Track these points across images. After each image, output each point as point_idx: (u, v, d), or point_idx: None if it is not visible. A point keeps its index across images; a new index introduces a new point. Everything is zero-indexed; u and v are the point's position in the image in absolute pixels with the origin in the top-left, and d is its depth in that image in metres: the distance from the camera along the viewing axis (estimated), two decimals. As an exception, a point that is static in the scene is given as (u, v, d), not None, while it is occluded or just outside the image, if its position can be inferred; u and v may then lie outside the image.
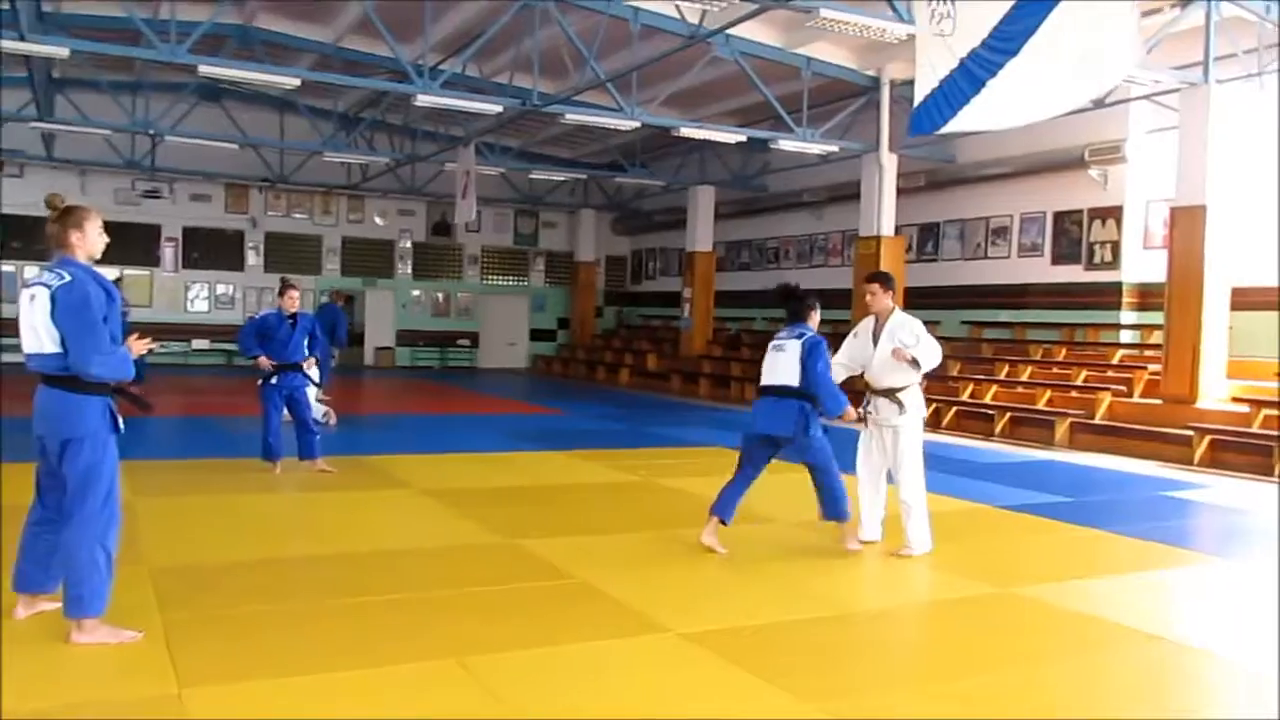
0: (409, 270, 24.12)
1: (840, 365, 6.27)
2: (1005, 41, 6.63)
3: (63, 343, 3.94)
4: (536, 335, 25.81)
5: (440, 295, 24.54)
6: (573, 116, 14.38)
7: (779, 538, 6.43)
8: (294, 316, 8.15)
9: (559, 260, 25.85)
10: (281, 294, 8.20)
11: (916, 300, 16.26)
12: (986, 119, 7.15)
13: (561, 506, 7.28)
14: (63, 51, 11.41)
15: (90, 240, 4.14)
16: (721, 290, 21.18)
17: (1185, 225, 11.44)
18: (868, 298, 6.23)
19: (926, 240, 17.30)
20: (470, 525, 6.38)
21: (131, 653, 3.88)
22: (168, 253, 21.53)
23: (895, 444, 6.10)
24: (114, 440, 4.08)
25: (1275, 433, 9.92)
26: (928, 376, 12.37)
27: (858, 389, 6.27)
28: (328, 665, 3.76)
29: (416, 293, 24.08)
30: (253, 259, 22.30)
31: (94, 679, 3.64)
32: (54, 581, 4.18)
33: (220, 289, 22.14)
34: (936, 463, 10.07)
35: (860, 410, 6.21)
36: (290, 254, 22.66)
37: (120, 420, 4.12)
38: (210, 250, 21.99)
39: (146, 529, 5.89)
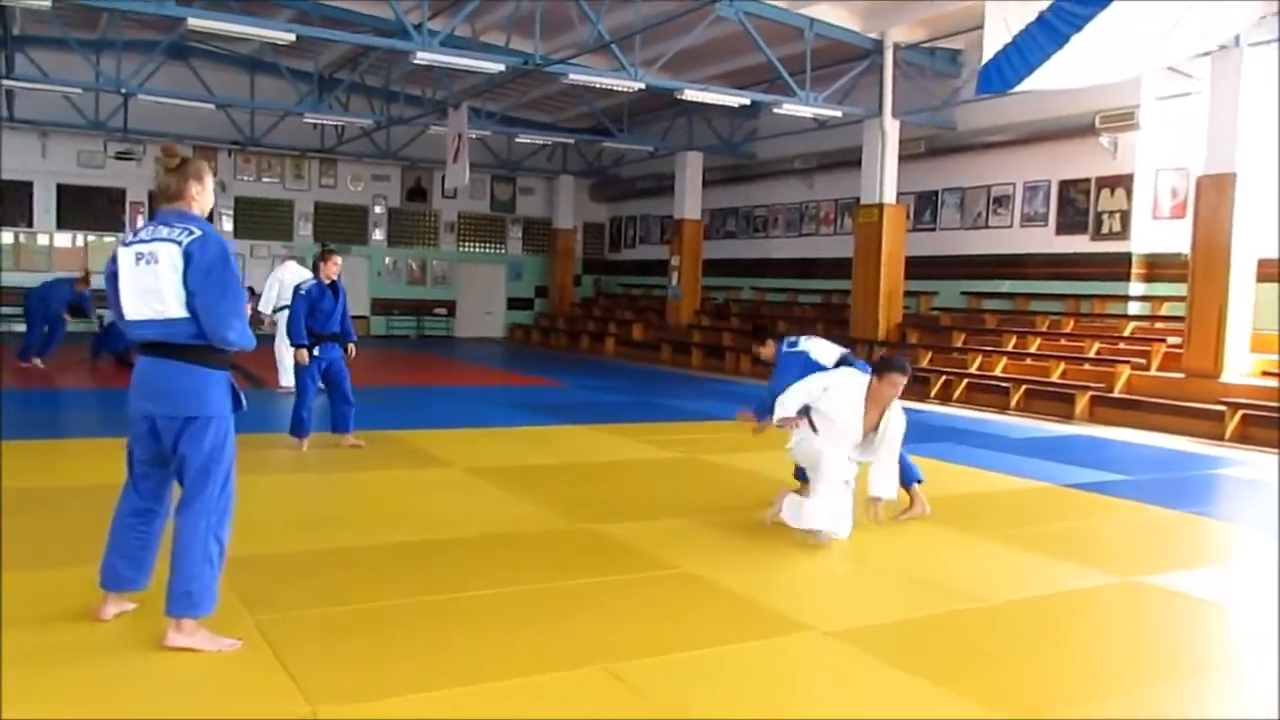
0: (383, 237, 23.36)
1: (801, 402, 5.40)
2: (1093, -6, 6.30)
3: (190, 306, 3.45)
4: (514, 304, 25.23)
5: (415, 263, 23.83)
6: (575, 77, 13.86)
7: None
8: (334, 285, 7.66)
9: (536, 227, 25.25)
10: (324, 260, 7.70)
11: (914, 270, 16.07)
12: (1068, 76, 6.83)
13: (617, 486, 6.90)
14: (44, 2, 10.60)
15: (207, 195, 3.68)
16: (707, 259, 20.78)
17: (1212, 193, 11.27)
18: (892, 393, 5.21)
19: (924, 209, 17.05)
20: (534, 508, 5.97)
21: (239, 661, 3.44)
22: (136, 218, 20.54)
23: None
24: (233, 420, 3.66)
25: (1308, 405, 9.84)
26: (933, 348, 12.21)
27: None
28: (466, 676, 3.35)
29: (391, 260, 23.35)
30: (223, 224, 21.38)
31: (210, 693, 3.20)
32: (146, 578, 3.73)
33: (188, 255, 21.21)
34: (966, 437, 9.93)
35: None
36: (261, 219, 21.81)
37: (243, 397, 3.67)
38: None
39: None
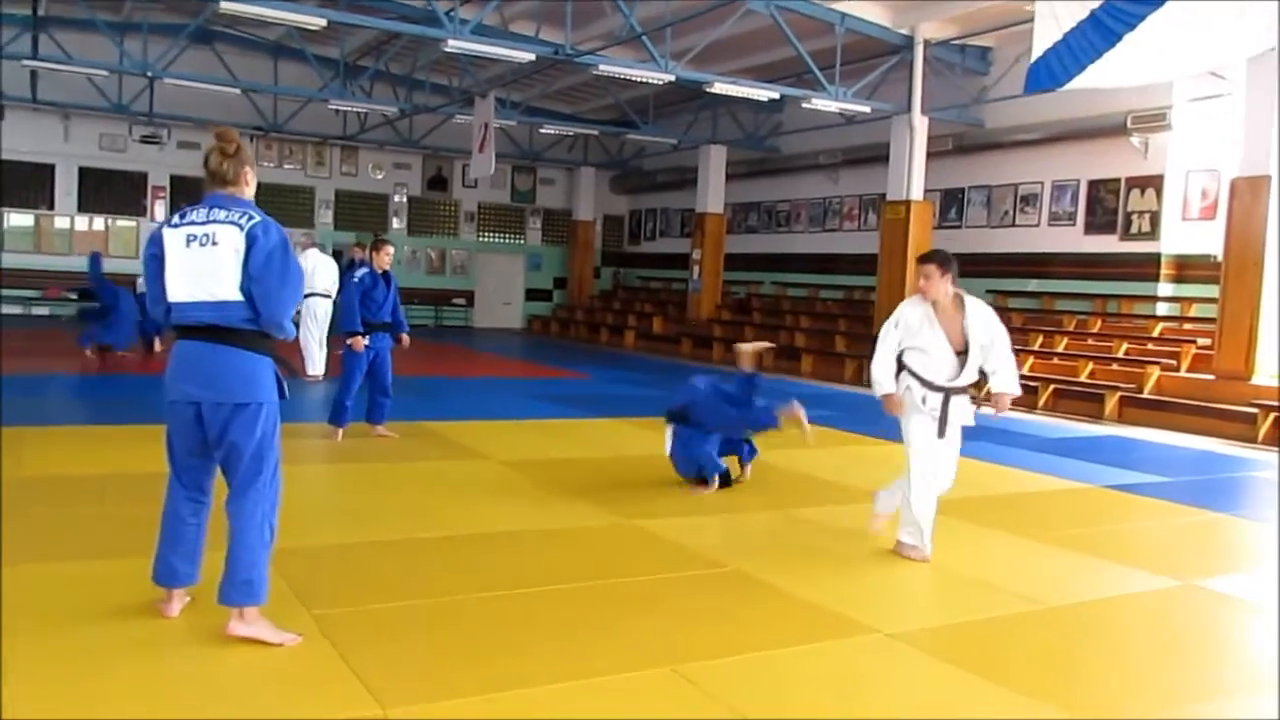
0: (403, 225, 23.33)
1: (890, 362, 5.13)
2: (1147, -7, 6.22)
3: (246, 290, 3.42)
4: (532, 295, 25.19)
5: (435, 252, 23.80)
6: (606, 68, 13.76)
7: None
8: (386, 275, 7.66)
9: (556, 218, 25.19)
10: (377, 250, 7.70)
11: (940, 267, 15.95)
12: (1119, 75, 6.74)
13: (655, 482, 6.81)
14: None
15: (254, 183, 3.64)
16: (728, 253, 20.69)
17: (1246, 196, 11.17)
18: (921, 281, 5.05)
19: (950, 206, 16.94)
20: (577, 503, 5.93)
21: (303, 658, 3.41)
22: (156, 202, 20.54)
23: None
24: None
25: (1346, 411, 9.75)
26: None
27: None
28: (534, 677, 3.30)
29: (410, 249, 23.31)
30: (243, 210, 21.38)
31: (277, 693, 3.15)
32: (199, 571, 3.70)
33: (210, 241, 21.20)
34: (1000, 436, 9.84)
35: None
36: (281, 205, 21.72)
37: (285, 385, 3.63)
38: (199, 200, 20.98)
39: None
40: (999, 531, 5.69)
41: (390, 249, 7.84)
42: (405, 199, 23.28)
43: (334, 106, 17.80)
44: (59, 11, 16.58)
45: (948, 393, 4.97)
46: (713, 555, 4.88)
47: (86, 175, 20.06)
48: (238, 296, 3.44)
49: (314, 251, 12.92)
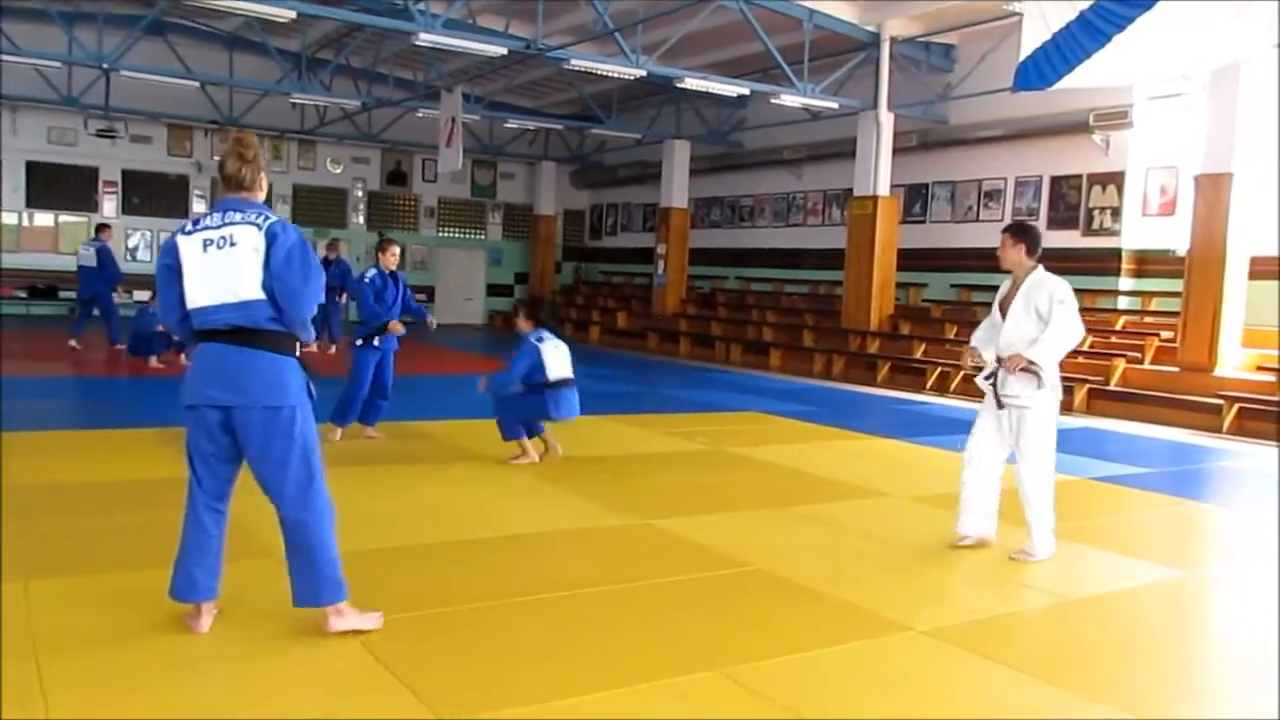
0: (363, 220, 23.02)
1: (983, 335, 5.30)
2: (1137, -5, 6.34)
3: (268, 289, 3.37)
4: (493, 290, 25.00)
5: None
6: (577, 63, 13.71)
7: (903, 511, 6.10)
8: (393, 274, 7.59)
9: (517, 213, 25.03)
10: (383, 250, 7.63)
11: (904, 262, 16.16)
12: (1107, 75, 6.86)
13: (657, 480, 6.84)
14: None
15: (266, 187, 3.60)
16: (691, 248, 20.72)
17: (1210, 192, 11.46)
18: (998, 250, 5.23)
19: (915, 202, 17.15)
20: (587, 503, 5.90)
21: (348, 667, 3.35)
22: (107, 198, 20.02)
23: (1020, 426, 5.09)
24: None
25: (1308, 401, 10.06)
26: (926, 340, 12.12)
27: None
28: (584, 683, 3.28)
29: (370, 244, 22.96)
30: (199, 205, 20.92)
31: (327, 703, 3.10)
32: (219, 584, 3.62)
33: (164, 237, 20.67)
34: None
35: (983, 382, 5.32)
36: (238, 201, 21.38)
37: (312, 386, 3.57)
38: (152, 195, 20.54)
39: (242, 510, 5.26)
40: (1005, 524, 5.77)
41: (396, 249, 7.81)
42: (364, 194, 22.96)
43: (295, 100, 17.48)
44: (7, 1, 16.05)
45: (1000, 364, 5.02)
46: (734, 555, 4.89)
47: (35, 170, 19.48)
48: (261, 295, 3.39)
49: None
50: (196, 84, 17.00)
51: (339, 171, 22.52)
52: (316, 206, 22.24)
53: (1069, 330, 4.93)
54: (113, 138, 19.42)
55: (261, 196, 3.57)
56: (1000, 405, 5.10)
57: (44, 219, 19.77)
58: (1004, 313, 5.10)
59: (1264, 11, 6.23)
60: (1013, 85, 7.97)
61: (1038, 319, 4.96)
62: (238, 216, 3.40)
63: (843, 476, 7.12)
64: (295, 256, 3.39)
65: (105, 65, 15.00)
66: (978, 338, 5.31)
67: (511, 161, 24.37)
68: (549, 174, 24.36)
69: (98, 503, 5.41)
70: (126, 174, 20.15)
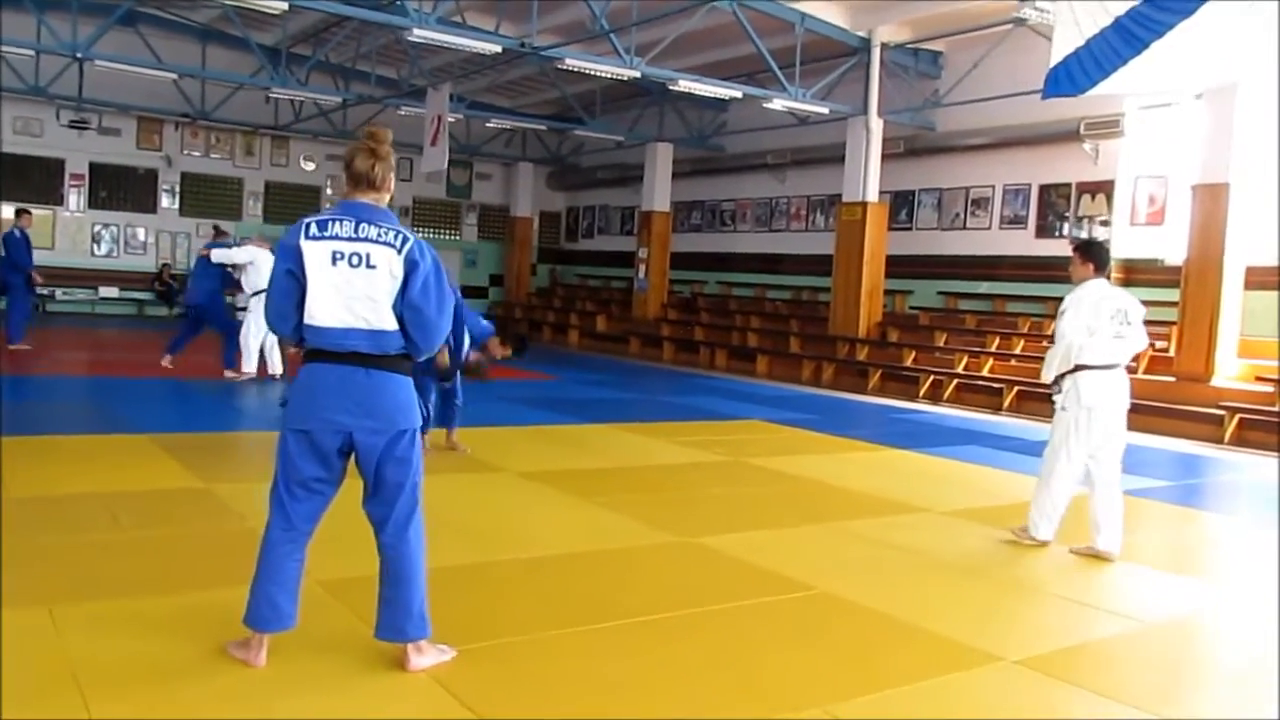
0: (336, 219, 22.51)
1: None
2: (1178, 1, 6.23)
3: (399, 316, 3.15)
4: (467, 292, 24.45)
5: (368, 247, 23.04)
6: (571, 62, 13.46)
7: (944, 527, 5.94)
8: None
9: (492, 214, 24.68)
10: None
11: (890, 269, 16.10)
12: (1142, 82, 6.76)
13: (686, 493, 6.61)
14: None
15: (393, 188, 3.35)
16: (671, 251, 20.54)
17: (1207, 202, 11.51)
18: (1070, 267, 5.55)
19: (901, 208, 17.09)
20: (621, 519, 5.66)
21: (417, 702, 3.10)
22: (73, 190, 19.36)
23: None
24: None
25: (1311, 413, 10.11)
26: (916, 348, 12.28)
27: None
28: (691, 722, 3.07)
29: (344, 244, 22.50)
30: (167, 200, 20.35)
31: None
32: (298, 612, 3.34)
33: (131, 232, 20.10)
34: (984, 440, 9.93)
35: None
36: (208, 197, 20.82)
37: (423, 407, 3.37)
38: (120, 189, 19.90)
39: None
40: (1055, 542, 5.63)
41: None
42: (339, 192, 22.47)
43: (274, 95, 17.00)
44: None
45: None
46: (793, 576, 4.68)
47: (-1, 161, 18.80)
48: (394, 326, 3.16)
49: (251, 247, 12.26)
50: (171, 76, 16.43)
51: (312, 169, 22.04)
52: (289, 204, 21.70)
53: (1059, 338, 5.28)
54: (85, 129, 18.77)
55: (389, 198, 3.32)
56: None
57: (6, 211, 19.04)
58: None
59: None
60: (1043, 92, 7.87)
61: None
62: (374, 232, 3.13)
63: (870, 490, 6.95)
64: (431, 286, 3.16)
65: (79, 55, 14.45)
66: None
67: (488, 162, 24.02)
68: (526, 175, 24.05)
69: (102, 516, 5.06)
70: (94, 167, 19.51)
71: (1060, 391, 5.40)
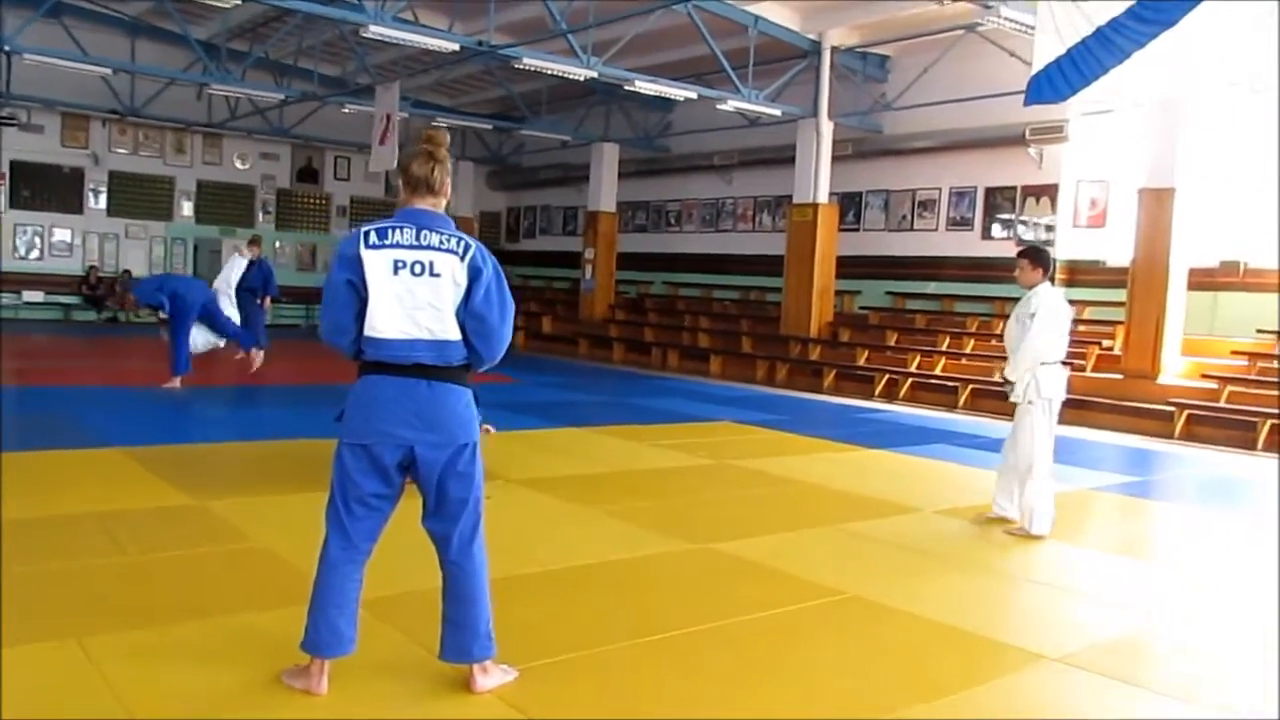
0: (271, 219, 21.96)
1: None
2: (1159, 13, 6.43)
3: (462, 326, 3.06)
4: (407, 294, 24.19)
5: (305, 248, 22.53)
6: (530, 61, 13.31)
7: (942, 526, 6.03)
8: None
9: (432, 214, 24.29)
10: None
11: (838, 269, 16.30)
12: (1125, 92, 6.95)
13: (686, 499, 6.58)
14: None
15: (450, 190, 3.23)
16: (617, 252, 20.51)
17: (1153, 206, 11.91)
18: (1015, 271, 6.07)
19: (848, 210, 17.32)
20: (627, 526, 5.61)
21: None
22: (-7, 194, 18.53)
23: (1018, 422, 6.02)
24: None
25: (1256, 408, 10.52)
26: (869, 347, 12.70)
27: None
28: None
29: (280, 244, 21.96)
30: (94, 201, 19.58)
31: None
32: (357, 635, 3.23)
33: (56, 234, 19.28)
34: (950, 438, 10.11)
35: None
36: (137, 196, 20.09)
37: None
38: (44, 189, 19.08)
39: (277, 538, 4.80)
40: (1063, 544, 5.74)
41: None
42: (273, 191, 21.91)
43: (214, 91, 16.45)
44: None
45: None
46: (819, 580, 4.69)
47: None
48: (459, 335, 3.07)
49: (236, 256, 11.94)
50: (105, 71, 15.77)
51: (246, 168, 21.43)
52: (222, 204, 21.11)
53: (1034, 339, 5.70)
54: (10, 124, 17.93)
55: (445, 202, 3.22)
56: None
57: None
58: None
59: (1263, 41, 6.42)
60: (1025, 99, 8.05)
61: (1024, 328, 5.75)
62: (436, 239, 3.03)
63: (860, 490, 7.02)
64: (494, 293, 3.08)
65: (5, 48, 13.80)
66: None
67: (428, 161, 23.62)
68: (466, 175, 23.73)
69: (100, 539, 4.81)
70: (16, 165, 18.66)
71: (1014, 386, 5.91)
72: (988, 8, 8.95)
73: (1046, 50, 7.31)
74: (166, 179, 20.47)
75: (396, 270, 3.00)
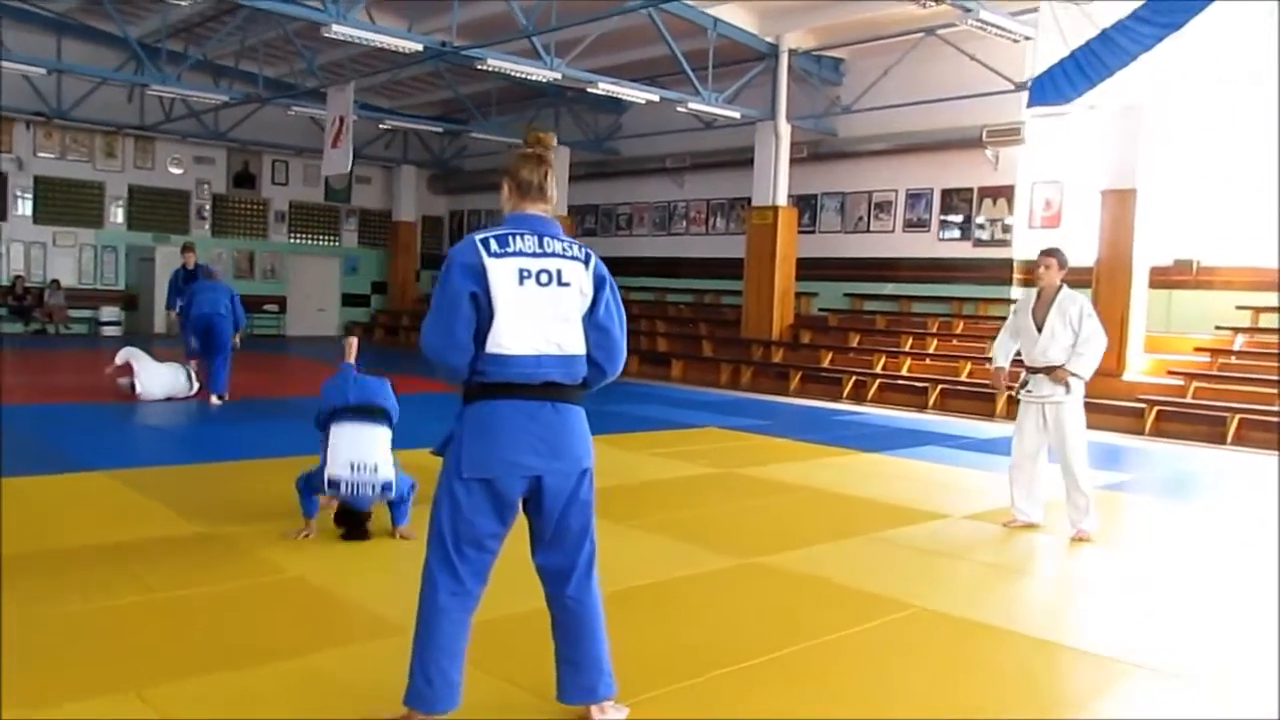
0: (207, 226, 21.16)
1: (1006, 342, 6.23)
2: (1165, 15, 6.48)
3: (587, 338, 2.84)
4: (348, 300, 23.62)
5: (242, 254, 21.77)
6: (494, 63, 13.00)
7: (978, 531, 5.96)
8: None
9: (373, 219, 23.75)
10: None
11: (796, 271, 16.32)
12: (1129, 92, 6.98)
13: (707, 510, 6.40)
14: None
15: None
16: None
17: (1116, 207, 12.15)
18: (1040, 270, 6.01)
19: (804, 212, 17.36)
20: (669, 541, 5.42)
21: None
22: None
23: (1057, 422, 5.92)
24: None
25: (1224, 403, 10.78)
26: (832, 349, 12.65)
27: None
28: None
29: (217, 251, 21.15)
30: (19, 208, 18.59)
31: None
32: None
33: (-19, 244, 18.31)
34: (937, 439, 10.14)
35: (1017, 387, 6.21)
36: (65, 202, 19.16)
37: None
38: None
39: (307, 566, 4.49)
40: (1097, 548, 5.72)
41: None
42: (209, 196, 21.11)
43: (155, 92, 15.73)
44: None
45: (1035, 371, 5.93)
46: (879, 593, 4.57)
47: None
48: (584, 350, 2.83)
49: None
50: (35, 70, 14.96)
51: (180, 172, 20.63)
52: (156, 210, 20.29)
53: (1102, 339, 5.87)
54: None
55: (553, 209, 2.99)
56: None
57: None
58: (1039, 325, 5.86)
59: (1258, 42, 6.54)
60: (1029, 100, 8.07)
61: (1071, 330, 5.79)
62: (559, 246, 2.80)
63: (876, 497, 6.94)
64: (613, 304, 2.88)
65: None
66: (1000, 349, 6.25)
67: (369, 165, 23.07)
68: (409, 178, 23.25)
69: (119, 576, 4.42)
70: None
71: (1030, 386, 6.01)
72: (966, 10, 9.00)
73: (1051, 53, 7.34)
74: (96, 184, 19.57)
75: (522, 280, 2.75)
